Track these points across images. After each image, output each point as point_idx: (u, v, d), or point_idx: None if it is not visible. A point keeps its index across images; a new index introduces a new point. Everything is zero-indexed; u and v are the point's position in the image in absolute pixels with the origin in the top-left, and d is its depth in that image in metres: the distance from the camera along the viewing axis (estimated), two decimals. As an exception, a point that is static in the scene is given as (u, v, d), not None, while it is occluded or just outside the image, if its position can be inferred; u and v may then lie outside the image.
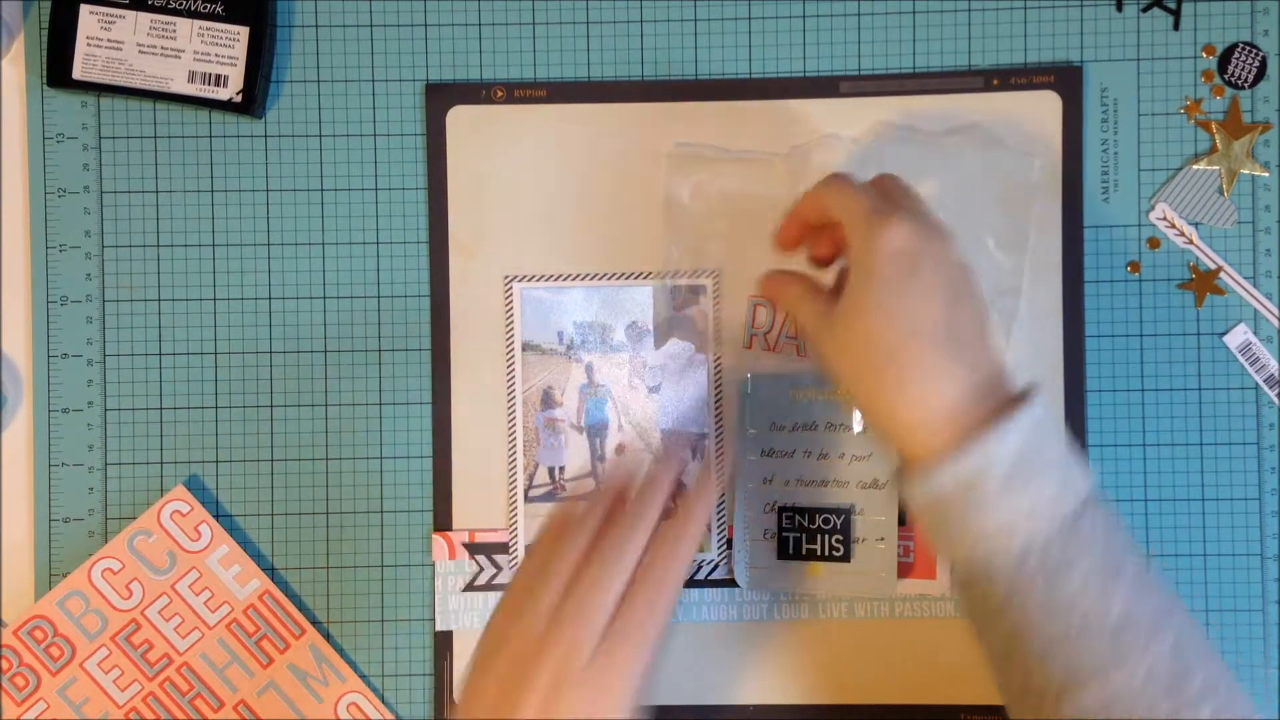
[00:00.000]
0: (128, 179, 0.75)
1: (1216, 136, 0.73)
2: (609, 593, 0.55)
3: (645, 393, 0.74)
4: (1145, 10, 0.74)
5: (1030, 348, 0.73)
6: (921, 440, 0.57)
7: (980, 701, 0.73)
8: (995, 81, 0.73)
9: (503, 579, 0.74)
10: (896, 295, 0.57)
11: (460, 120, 0.74)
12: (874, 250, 0.58)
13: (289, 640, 0.72)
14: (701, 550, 0.74)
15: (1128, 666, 0.53)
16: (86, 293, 0.74)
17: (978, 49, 0.74)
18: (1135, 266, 0.74)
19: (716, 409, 0.74)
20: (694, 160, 0.74)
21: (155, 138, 0.75)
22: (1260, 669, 0.73)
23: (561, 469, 0.74)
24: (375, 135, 0.75)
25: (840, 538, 0.72)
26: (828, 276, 0.65)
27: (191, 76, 0.73)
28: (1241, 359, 0.73)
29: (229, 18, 0.72)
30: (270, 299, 0.75)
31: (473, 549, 0.74)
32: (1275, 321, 0.73)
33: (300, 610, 0.73)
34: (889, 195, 0.62)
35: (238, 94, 0.73)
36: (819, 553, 0.73)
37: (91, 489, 0.74)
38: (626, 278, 0.74)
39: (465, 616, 0.74)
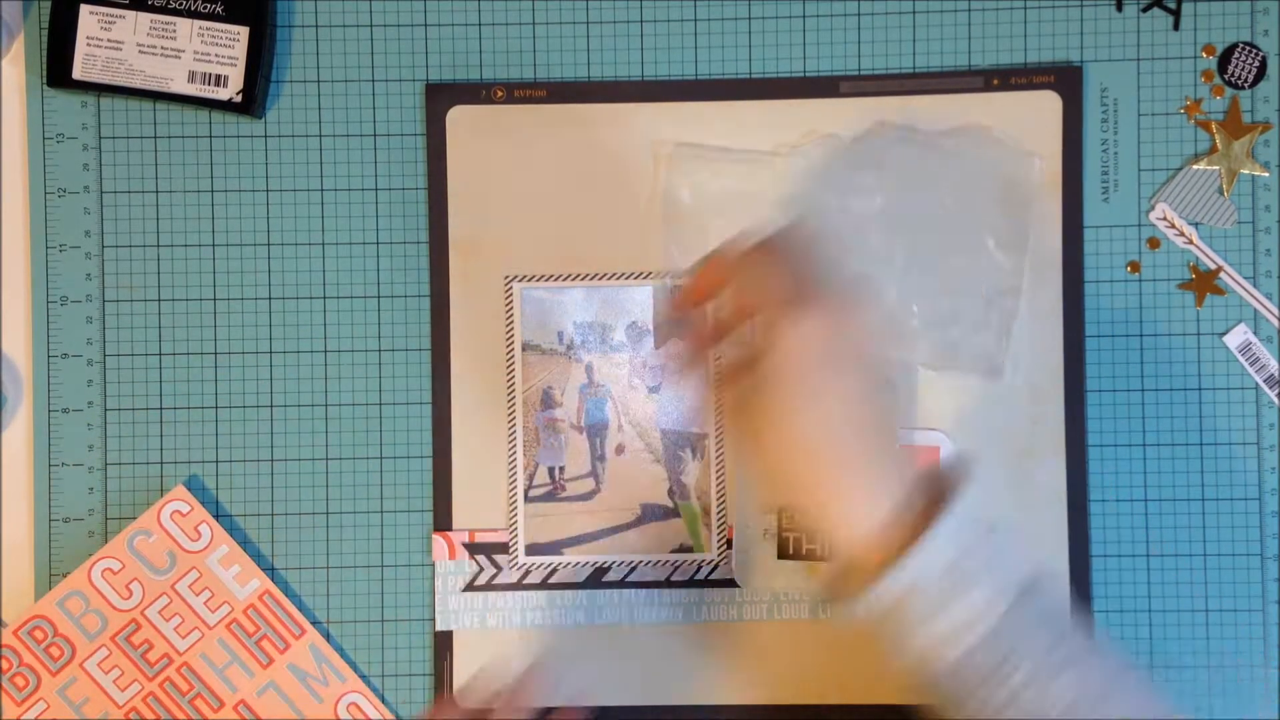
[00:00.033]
0: (128, 179, 0.75)
1: (1216, 136, 0.73)
2: None
3: (645, 393, 0.74)
4: (1145, 10, 0.74)
5: (1030, 348, 0.73)
6: (851, 559, 0.55)
7: (980, 701, 0.73)
8: (995, 81, 0.73)
9: (503, 579, 0.74)
10: (820, 400, 0.55)
11: (460, 120, 0.74)
12: (795, 350, 0.55)
13: (289, 640, 0.72)
14: (701, 550, 0.74)
15: None
16: (86, 293, 0.74)
17: (978, 49, 0.74)
18: (1135, 266, 0.74)
19: (716, 409, 0.74)
20: (694, 160, 0.74)
21: (155, 138, 0.75)
22: (1260, 669, 0.73)
23: (561, 469, 0.74)
24: (375, 135, 0.75)
25: (840, 538, 0.72)
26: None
27: (191, 76, 0.73)
28: (1241, 359, 0.73)
29: (229, 18, 0.72)
30: (270, 299, 0.75)
31: (473, 549, 0.74)
32: (1275, 321, 0.73)
33: (300, 610, 0.73)
34: (797, 273, 0.57)
35: (238, 94, 0.73)
36: (819, 553, 0.73)
37: (91, 489, 0.74)
38: (626, 278, 0.74)
39: (465, 616, 0.74)
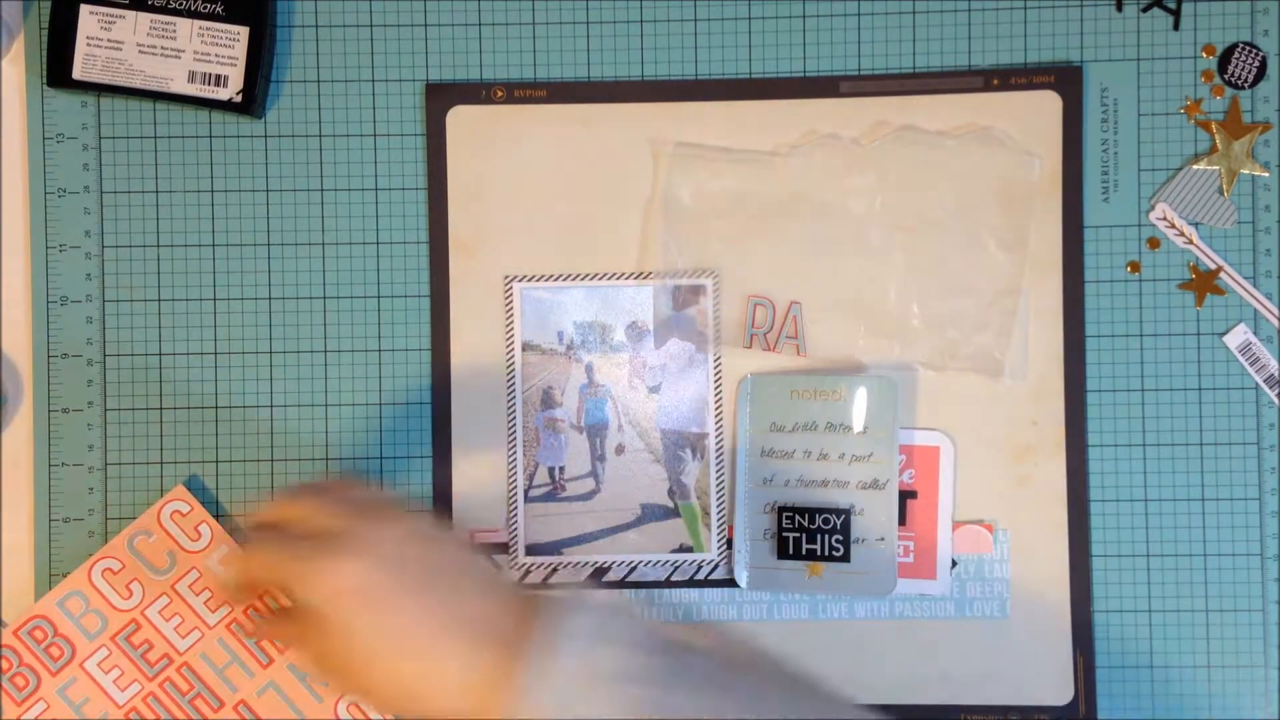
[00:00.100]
0: (128, 179, 0.75)
1: (1216, 136, 0.73)
2: None
3: (645, 393, 0.74)
4: (1145, 10, 0.74)
5: (1030, 348, 0.73)
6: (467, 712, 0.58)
7: (980, 701, 0.73)
8: (995, 81, 0.73)
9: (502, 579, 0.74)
10: (374, 634, 0.58)
11: (460, 120, 0.74)
12: (331, 606, 0.58)
13: None
14: (701, 550, 0.74)
15: None
16: (86, 293, 0.74)
17: (978, 49, 0.74)
18: (1135, 266, 0.74)
19: (716, 409, 0.74)
20: (694, 160, 0.74)
21: (155, 138, 0.75)
22: (1260, 669, 0.73)
23: (561, 469, 0.74)
24: (375, 135, 0.75)
25: (840, 538, 0.72)
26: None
27: (191, 76, 0.73)
28: (1241, 359, 0.73)
29: (229, 18, 0.72)
30: (270, 299, 0.75)
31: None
32: (1275, 321, 0.73)
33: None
34: (309, 533, 0.61)
35: (238, 94, 0.73)
36: (819, 553, 0.73)
37: (91, 489, 0.74)
38: (627, 278, 0.74)
39: (465, 616, 0.74)
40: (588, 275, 0.74)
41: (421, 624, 0.58)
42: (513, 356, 0.74)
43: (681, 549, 0.74)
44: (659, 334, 0.74)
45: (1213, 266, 0.73)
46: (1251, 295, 0.73)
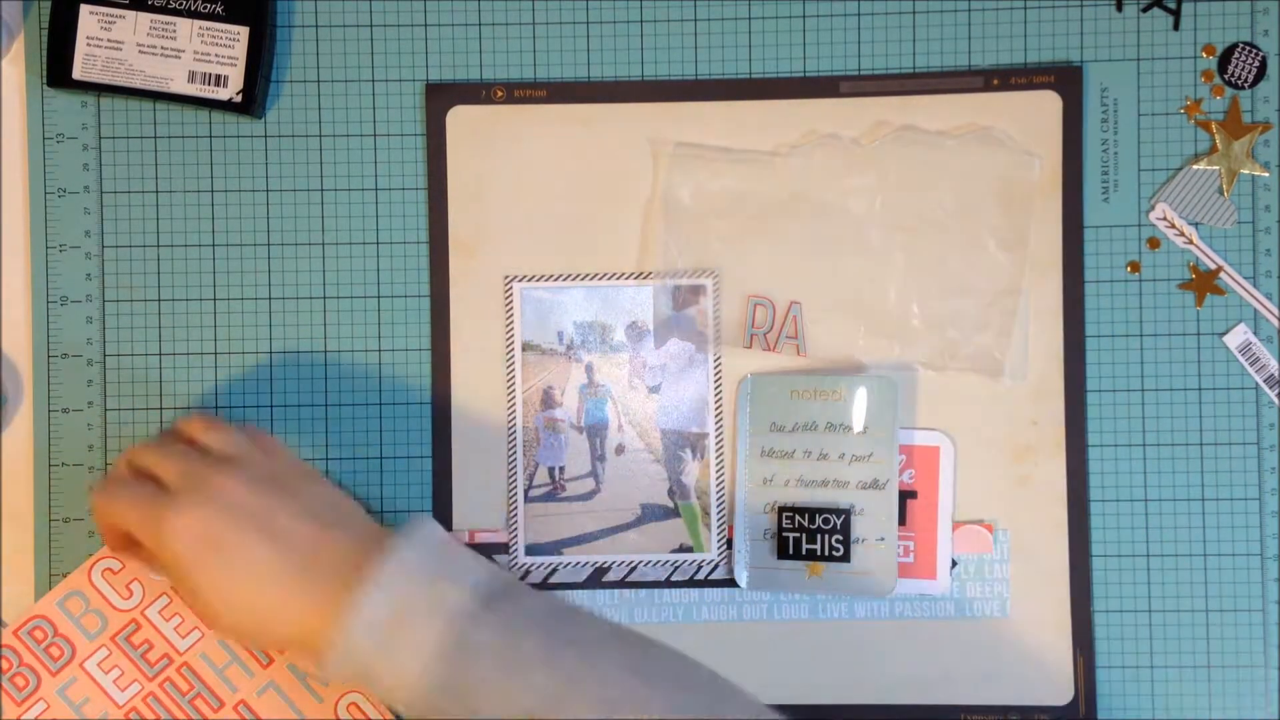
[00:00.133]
0: (128, 179, 0.75)
1: (1216, 136, 0.73)
2: None
3: (645, 393, 0.74)
4: (1145, 10, 0.74)
5: (1030, 348, 0.73)
6: (305, 649, 0.61)
7: (980, 701, 0.73)
8: (995, 81, 0.73)
9: (503, 579, 0.74)
10: (217, 572, 0.61)
11: (460, 120, 0.74)
12: (177, 553, 0.61)
13: None
14: (701, 550, 0.74)
15: None
16: (86, 293, 0.74)
17: (978, 49, 0.74)
18: (1135, 266, 0.74)
19: (716, 409, 0.74)
20: (694, 160, 0.74)
21: (155, 138, 0.75)
22: (1260, 669, 0.73)
23: (561, 469, 0.74)
24: (375, 135, 0.75)
25: (840, 538, 0.72)
26: None
27: (191, 76, 0.73)
28: (1241, 359, 0.73)
29: (229, 18, 0.72)
30: (270, 299, 0.75)
31: (473, 549, 0.74)
32: (1275, 321, 0.73)
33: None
34: (159, 481, 0.64)
35: (238, 94, 0.73)
36: (819, 553, 0.73)
37: (91, 489, 0.74)
38: (627, 278, 0.74)
39: (465, 616, 0.74)
40: (588, 275, 0.74)
41: (262, 563, 0.61)
42: (513, 356, 0.74)
43: (681, 549, 0.74)
44: (659, 334, 0.74)
45: (1213, 266, 0.73)
46: (1251, 295, 0.73)
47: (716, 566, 0.74)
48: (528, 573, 0.74)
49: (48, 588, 0.73)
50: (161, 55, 0.73)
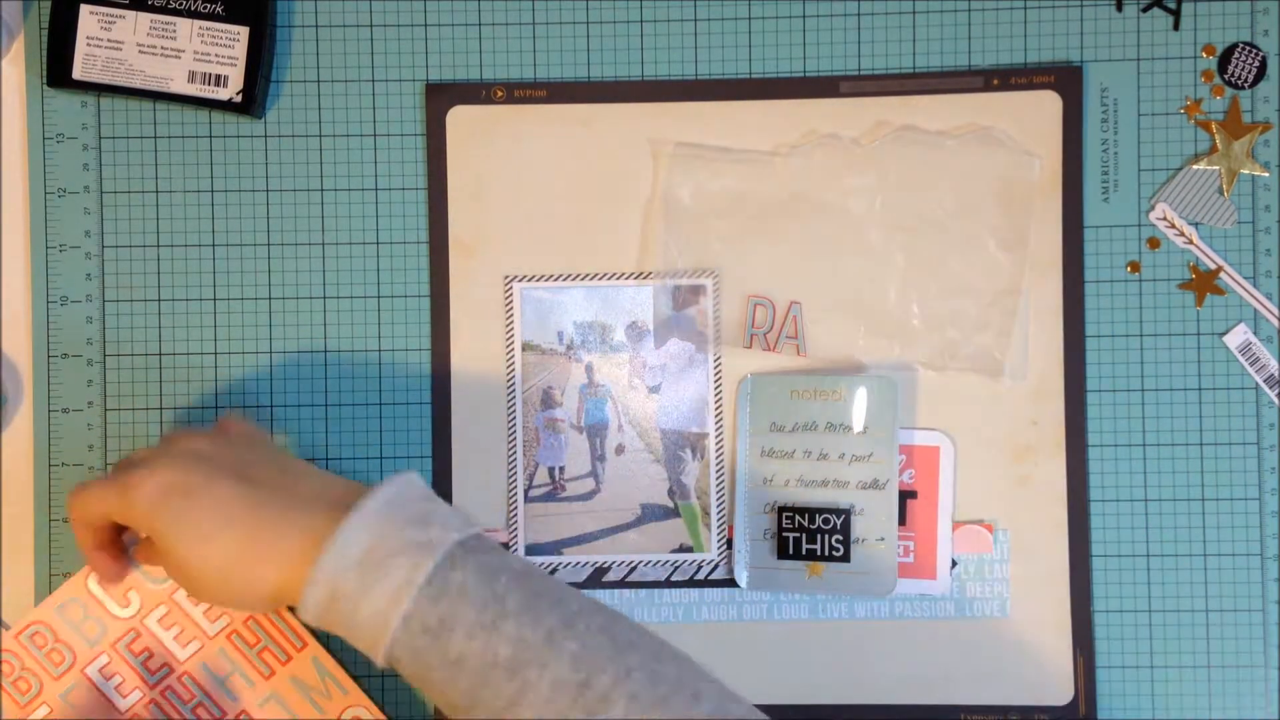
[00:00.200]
0: (128, 179, 0.75)
1: (1216, 136, 0.73)
2: None
3: (645, 393, 0.74)
4: (1145, 10, 0.74)
5: (1030, 348, 0.73)
6: (283, 590, 0.61)
7: (980, 701, 0.73)
8: (995, 81, 0.73)
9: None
10: (188, 516, 0.61)
11: (460, 120, 0.74)
12: (152, 506, 0.61)
13: (290, 652, 0.71)
14: (701, 550, 0.74)
15: (530, 694, 0.55)
16: (86, 293, 0.74)
17: (978, 49, 0.74)
18: (1135, 266, 0.74)
19: (716, 409, 0.74)
20: (694, 160, 0.74)
21: (155, 138, 0.75)
22: (1260, 669, 0.73)
23: (561, 469, 0.74)
24: (375, 135, 0.75)
25: (840, 538, 0.72)
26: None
27: (191, 76, 0.73)
28: (1241, 359, 0.73)
29: (229, 18, 0.72)
30: (270, 299, 0.75)
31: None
32: (1275, 321, 0.73)
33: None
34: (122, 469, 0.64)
35: (238, 94, 0.73)
36: (819, 553, 0.73)
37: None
38: (627, 278, 0.74)
39: (465, 616, 0.74)
40: (588, 275, 0.74)
41: (235, 500, 0.61)
42: (513, 356, 0.74)
43: (681, 549, 0.74)
44: (659, 334, 0.74)
45: (1213, 266, 0.73)
46: (1251, 295, 0.73)
47: (716, 566, 0.74)
48: (528, 573, 0.74)
49: (48, 588, 0.73)
50: (161, 55, 0.73)
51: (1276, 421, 0.73)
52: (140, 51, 0.73)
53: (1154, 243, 0.74)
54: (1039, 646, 0.73)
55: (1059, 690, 0.73)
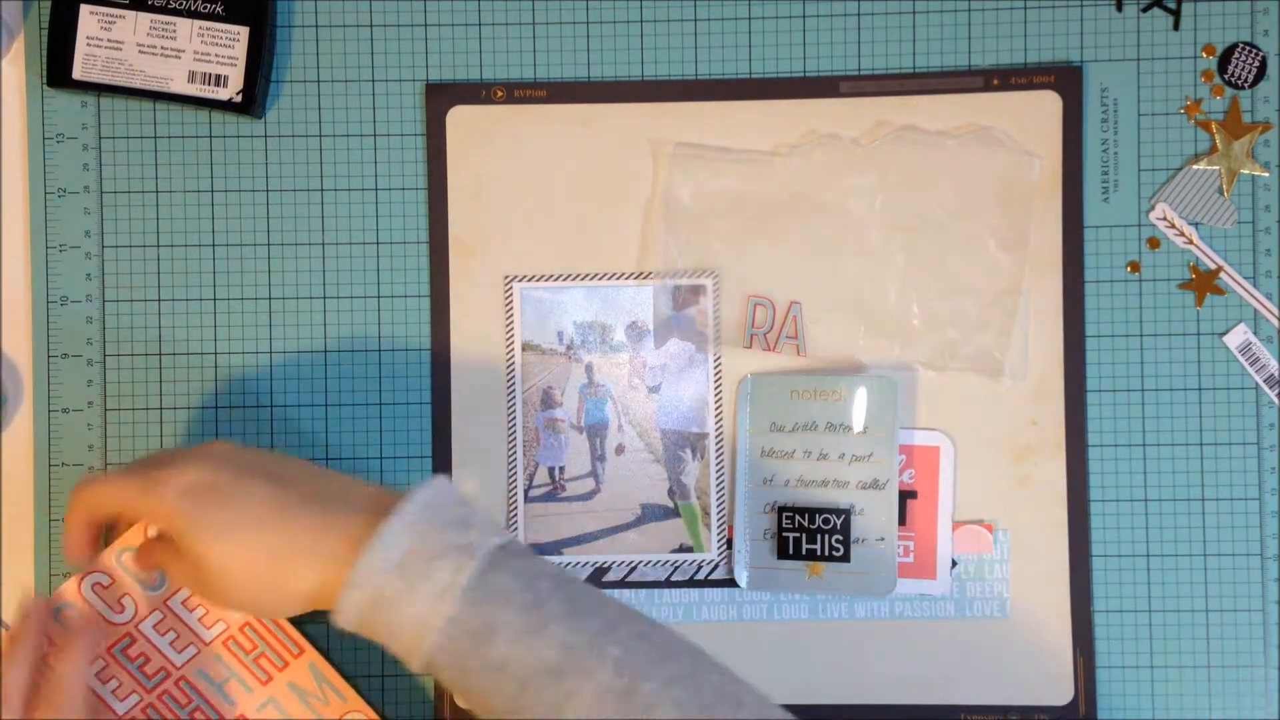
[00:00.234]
0: (128, 179, 0.75)
1: (1216, 136, 0.73)
2: None
3: (645, 393, 0.74)
4: (1145, 10, 0.74)
5: (1030, 348, 0.73)
6: (320, 593, 0.60)
7: (980, 701, 0.73)
8: (995, 81, 0.73)
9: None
10: (218, 516, 0.60)
11: (460, 120, 0.74)
12: (169, 509, 0.60)
13: (287, 659, 0.71)
14: (701, 550, 0.74)
15: (575, 700, 0.55)
16: (86, 293, 0.74)
17: (978, 49, 0.74)
18: (1135, 266, 0.74)
19: (716, 409, 0.74)
20: (694, 160, 0.74)
21: (155, 138, 0.75)
22: (1260, 669, 0.73)
23: (561, 469, 0.74)
24: (375, 135, 0.75)
25: (840, 538, 0.72)
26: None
27: (191, 76, 0.73)
28: (1241, 359, 0.73)
29: (229, 18, 0.72)
30: (270, 299, 0.75)
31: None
32: (1275, 321, 0.73)
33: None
34: (143, 467, 0.63)
35: (238, 94, 0.73)
36: (819, 553, 0.73)
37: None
38: (627, 278, 0.74)
39: (465, 616, 0.74)
40: (588, 275, 0.74)
41: (268, 501, 0.60)
42: (513, 356, 0.74)
43: (681, 549, 0.74)
44: (659, 334, 0.74)
45: (1213, 266, 0.73)
46: (1251, 295, 0.73)
47: (716, 566, 0.74)
48: (528, 573, 0.74)
49: (48, 588, 0.73)
50: (161, 55, 0.73)
51: (1276, 421, 0.73)
52: (140, 51, 0.73)
53: (1154, 243, 0.74)
54: (1039, 646, 0.73)
55: (1059, 690, 0.73)
